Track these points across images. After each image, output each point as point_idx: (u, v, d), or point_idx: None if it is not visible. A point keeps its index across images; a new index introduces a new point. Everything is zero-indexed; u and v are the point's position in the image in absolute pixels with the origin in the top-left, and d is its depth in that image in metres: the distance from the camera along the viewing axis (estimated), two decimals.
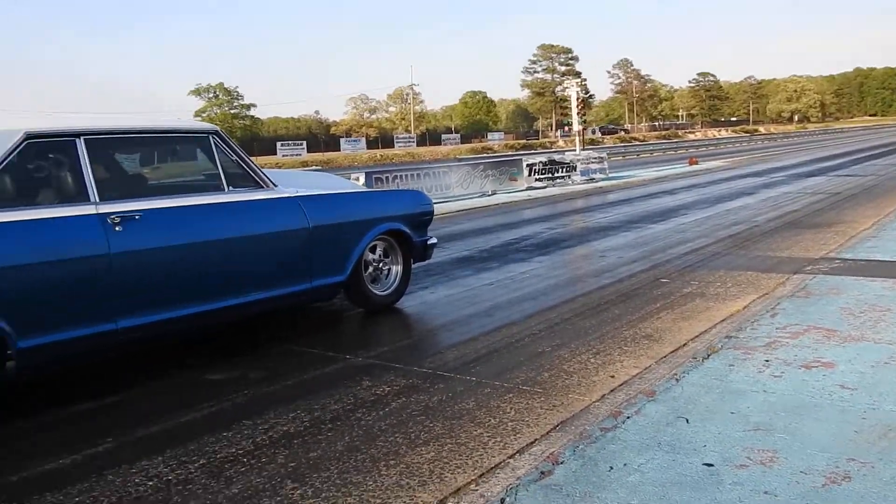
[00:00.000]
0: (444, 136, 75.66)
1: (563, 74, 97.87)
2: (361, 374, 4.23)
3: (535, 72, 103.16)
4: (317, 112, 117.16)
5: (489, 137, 77.76)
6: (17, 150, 3.83)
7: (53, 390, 4.20)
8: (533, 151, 50.48)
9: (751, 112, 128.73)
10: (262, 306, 4.87)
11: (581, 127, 24.01)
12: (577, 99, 22.95)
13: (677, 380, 3.82)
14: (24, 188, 3.92)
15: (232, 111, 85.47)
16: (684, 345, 4.55)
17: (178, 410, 3.73)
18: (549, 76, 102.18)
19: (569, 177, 19.92)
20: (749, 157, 31.50)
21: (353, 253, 5.35)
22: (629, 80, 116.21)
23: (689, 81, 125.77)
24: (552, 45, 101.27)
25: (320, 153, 59.63)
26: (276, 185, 4.95)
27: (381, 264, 5.76)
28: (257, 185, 4.85)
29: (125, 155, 4.69)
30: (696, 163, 26.78)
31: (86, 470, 3.07)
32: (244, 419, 3.58)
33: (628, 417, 3.34)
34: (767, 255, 7.53)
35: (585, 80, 26.02)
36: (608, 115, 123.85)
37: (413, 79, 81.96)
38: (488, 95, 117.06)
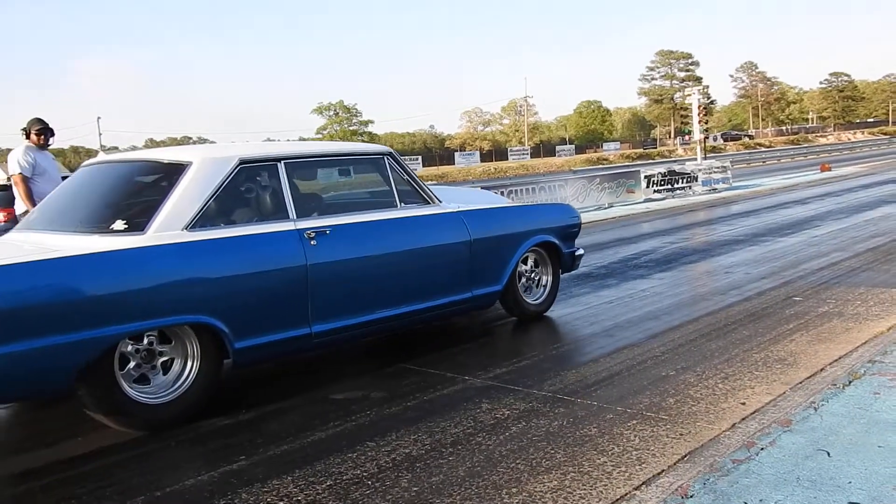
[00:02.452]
0: (558, 148, 75.09)
1: (683, 80, 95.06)
2: (481, 396, 4.24)
3: (652, 79, 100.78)
4: (431, 126, 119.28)
5: (604, 147, 76.53)
6: (233, 173, 4.39)
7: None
8: (650, 161, 49.22)
9: (890, 112, 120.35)
10: (430, 314, 5.26)
11: (702, 135, 23.18)
12: (699, 106, 22.20)
13: (816, 408, 3.61)
14: (236, 207, 4.47)
15: (351, 128, 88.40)
16: (822, 370, 4.30)
17: (304, 430, 3.87)
18: (667, 83, 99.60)
19: (689, 187, 19.29)
20: (889, 162, 29.42)
21: (508, 264, 5.70)
22: (754, 83, 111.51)
23: (821, 82, 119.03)
24: (671, 51, 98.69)
25: (435, 167, 60.47)
26: (440, 201, 5.37)
27: (532, 274, 6.11)
28: (424, 202, 5.29)
29: (314, 176, 5.21)
30: (829, 169, 25.30)
31: (223, 487, 3.23)
32: (367, 440, 3.66)
33: (762, 449, 3.18)
34: None
35: (707, 86, 25.22)
36: (731, 120, 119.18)
37: (527, 90, 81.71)
38: (603, 104, 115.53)
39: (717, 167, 20.67)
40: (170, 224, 4.05)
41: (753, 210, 14.37)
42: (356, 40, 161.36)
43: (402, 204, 5.13)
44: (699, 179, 19.55)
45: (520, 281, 5.92)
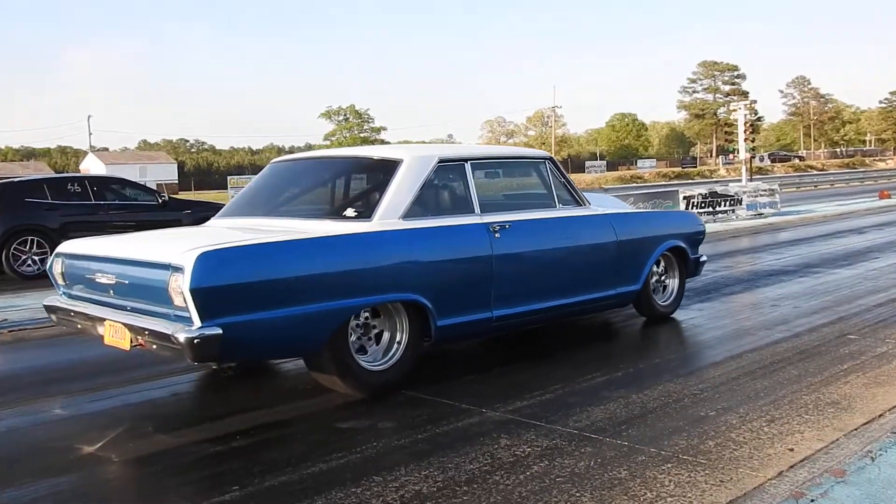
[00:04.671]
0: (587, 163, 75.26)
1: (728, 94, 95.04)
2: (499, 430, 4.22)
3: (694, 91, 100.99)
4: (450, 136, 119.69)
5: (639, 165, 76.56)
6: (434, 170, 5.36)
7: (182, 435, 4.46)
8: (690, 181, 49.18)
9: None
10: (582, 307, 6.27)
11: (748, 154, 23.15)
12: (745, 122, 22.19)
13: (873, 458, 3.57)
14: (434, 200, 5.47)
15: (362, 134, 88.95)
16: (880, 416, 4.25)
17: (304, 460, 3.86)
18: (710, 96, 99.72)
19: (733, 211, 19.24)
20: None
21: (646, 265, 6.67)
22: (805, 100, 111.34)
23: (880, 101, 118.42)
24: (715, 62, 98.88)
25: None
26: (590, 204, 6.31)
27: (662, 277, 7.08)
28: (577, 203, 6.24)
29: (492, 175, 6.41)
30: (889, 196, 25.12)
31: None
32: (374, 474, 3.65)
33: (812, 501, 3.14)
34: None
35: (754, 101, 25.18)
36: (779, 139, 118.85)
37: (555, 100, 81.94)
38: (639, 118, 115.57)
39: (764, 190, 20.60)
40: (390, 213, 5.02)
41: (804, 238, 14.29)
42: (370, 40, 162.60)
43: (560, 205, 6.07)
44: (744, 202, 19.49)
45: (651, 282, 6.83)
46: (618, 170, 75.50)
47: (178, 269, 4.12)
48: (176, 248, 4.30)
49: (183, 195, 41.92)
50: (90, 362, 6.06)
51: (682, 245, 7.06)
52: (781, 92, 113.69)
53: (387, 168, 5.31)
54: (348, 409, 4.69)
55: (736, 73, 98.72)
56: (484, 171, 5.92)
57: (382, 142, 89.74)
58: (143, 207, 13.31)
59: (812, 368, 5.30)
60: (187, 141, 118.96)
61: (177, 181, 71.83)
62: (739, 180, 24.05)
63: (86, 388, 5.40)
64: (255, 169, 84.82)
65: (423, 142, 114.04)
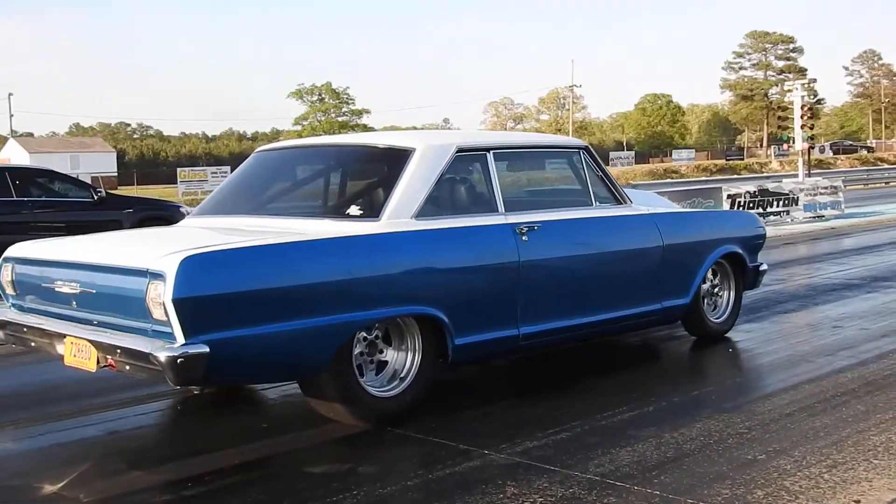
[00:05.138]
0: (612, 154, 75.31)
1: (781, 72, 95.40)
2: (504, 476, 4.24)
3: (741, 68, 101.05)
4: (446, 120, 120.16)
5: (674, 156, 76.75)
6: (452, 161, 5.42)
7: (134, 480, 4.47)
8: (736, 177, 49.34)
9: None
10: (623, 323, 6.39)
11: (806, 144, 23.26)
12: (802, 105, 22.29)
13: None
14: (451, 196, 5.60)
15: (340, 118, 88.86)
16: None
17: None
18: (760, 73, 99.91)
19: (787, 213, 19.33)
20: None
21: (697, 274, 6.73)
22: (876, 79, 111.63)
23: None
24: (767, 33, 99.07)
25: None
26: (632, 202, 6.41)
27: (716, 289, 7.13)
28: (617, 201, 6.33)
29: (516, 168, 6.41)
30: None
31: None
32: None
33: None
34: None
35: (813, 79, 25.13)
36: (843, 126, 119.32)
37: (574, 78, 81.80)
38: (674, 100, 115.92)
39: (825, 187, 20.70)
40: (401, 211, 5.08)
41: (872, 246, 14.37)
42: (349, 9, 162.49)
43: (597, 203, 6.15)
44: (800, 203, 19.58)
45: (703, 295, 6.91)
46: (649, 162, 75.78)
47: (157, 276, 4.16)
48: (154, 252, 4.36)
49: (123, 190, 41.94)
50: (44, 386, 6.12)
51: (739, 251, 7.12)
52: (846, 69, 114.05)
53: (396, 158, 5.38)
54: (323, 450, 4.71)
55: (792, 46, 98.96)
56: (508, 161, 6.01)
57: (365, 127, 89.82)
58: (74, 205, 13.35)
59: (882, 403, 5.32)
60: (128, 125, 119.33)
61: (116, 174, 71.86)
62: (795, 175, 24.15)
63: (38, 416, 5.45)
64: (211, 159, 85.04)
65: (415, 127, 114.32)
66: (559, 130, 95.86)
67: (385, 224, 5.01)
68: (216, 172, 46.04)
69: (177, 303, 4.06)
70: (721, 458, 4.42)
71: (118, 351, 4.33)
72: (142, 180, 62.31)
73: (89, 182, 18.66)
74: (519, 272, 5.42)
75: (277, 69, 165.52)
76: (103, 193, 14.07)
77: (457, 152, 5.46)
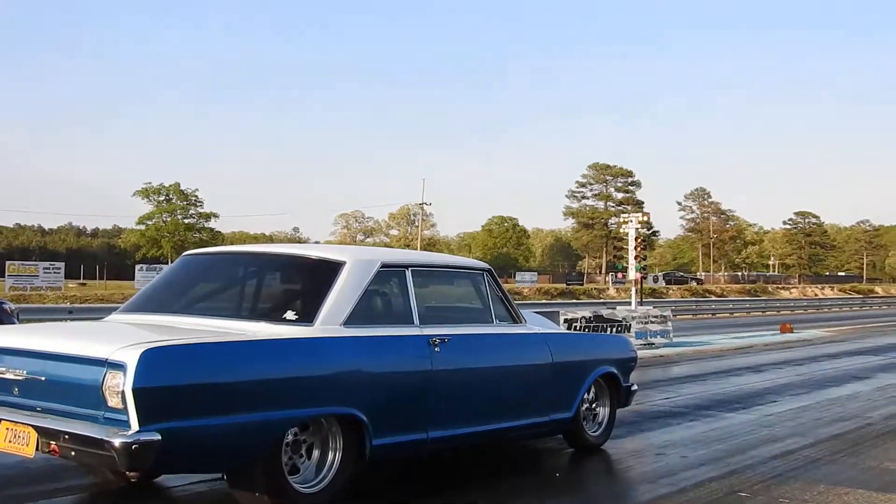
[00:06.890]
0: None
1: (620, 203, 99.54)
2: None
3: (583, 197, 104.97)
4: (295, 229, 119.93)
5: (517, 278, 78.32)
6: (376, 275, 5.89)
7: None
8: (575, 301, 50.81)
9: (864, 267, 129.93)
10: (517, 433, 7.00)
11: (639, 274, 24.24)
12: (637, 237, 23.31)
13: None
14: (374, 307, 6.04)
15: (186, 220, 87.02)
16: None
17: None
18: (601, 203, 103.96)
19: None
20: (861, 328, 31.50)
21: (580, 391, 7.35)
22: (705, 215, 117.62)
23: (785, 222, 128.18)
24: (608, 166, 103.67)
25: None
26: (526, 321, 7.05)
27: (593, 405, 7.73)
28: (513, 320, 6.96)
29: (427, 284, 6.68)
30: (791, 330, 26.78)
31: None
32: None
33: None
34: (885, 468, 7.38)
35: (648, 213, 26.51)
36: (675, 258, 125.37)
37: (424, 195, 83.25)
38: (520, 223, 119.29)
39: (655, 316, 21.46)
40: (332, 318, 5.48)
41: (697, 374, 14.93)
42: (198, 113, 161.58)
43: (497, 321, 6.76)
44: (633, 330, 20.21)
45: (583, 410, 7.47)
46: None
47: (117, 367, 4.37)
48: (112, 343, 4.55)
49: None
50: None
51: (616, 372, 7.80)
52: (679, 204, 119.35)
53: (328, 270, 5.78)
54: None
55: (630, 179, 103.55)
56: (422, 278, 6.44)
57: (212, 232, 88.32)
58: None
59: None
60: None
61: None
62: (629, 303, 24.96)
63: None
64: (45, 253, 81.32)
65: (264, 234, 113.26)
66: (408, 246, 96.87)
67: (319, 329, 5.40)
68: (48, 268, 44.04)
69: (136, 392, 4.28)
70: None
71: (65, 436, 4.43)
72: None
73: None
74: (431, 379, 5.89)
75: (123, 165, 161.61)
76: None
77: (381, 267, 5.95)
